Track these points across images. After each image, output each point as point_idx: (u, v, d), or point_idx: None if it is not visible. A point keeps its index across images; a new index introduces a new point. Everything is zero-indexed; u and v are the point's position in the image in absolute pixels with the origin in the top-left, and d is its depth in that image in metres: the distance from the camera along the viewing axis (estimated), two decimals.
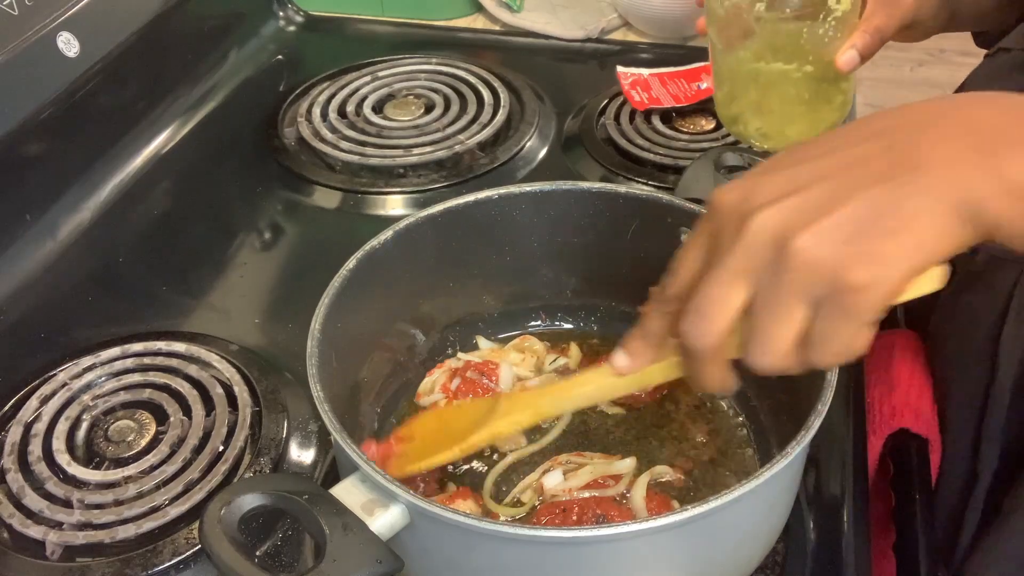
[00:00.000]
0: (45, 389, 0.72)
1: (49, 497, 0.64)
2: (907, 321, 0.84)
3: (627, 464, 0.63)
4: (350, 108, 1.05)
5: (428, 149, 0.97)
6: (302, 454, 0.69)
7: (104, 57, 0.93)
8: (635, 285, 0.71)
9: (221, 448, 0.68)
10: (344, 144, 0.99)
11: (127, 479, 0.65)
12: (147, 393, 0.71)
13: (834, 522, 0.64)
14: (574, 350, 0.72)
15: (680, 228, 0.66)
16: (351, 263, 0.62)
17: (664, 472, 0.63)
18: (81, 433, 0.69)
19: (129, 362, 0.74)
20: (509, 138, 1.00)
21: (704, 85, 1.01)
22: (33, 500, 0.64)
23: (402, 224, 0.65)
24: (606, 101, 1.04)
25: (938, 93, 0.93)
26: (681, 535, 0.50)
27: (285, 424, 0.70)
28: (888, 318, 0.86)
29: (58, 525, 0.63)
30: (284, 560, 0.62)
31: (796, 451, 0.50)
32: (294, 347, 0.76)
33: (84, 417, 0.70)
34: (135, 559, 0.61)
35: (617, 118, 1.01)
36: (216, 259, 0.88)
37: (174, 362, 0.74)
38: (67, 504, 0.64)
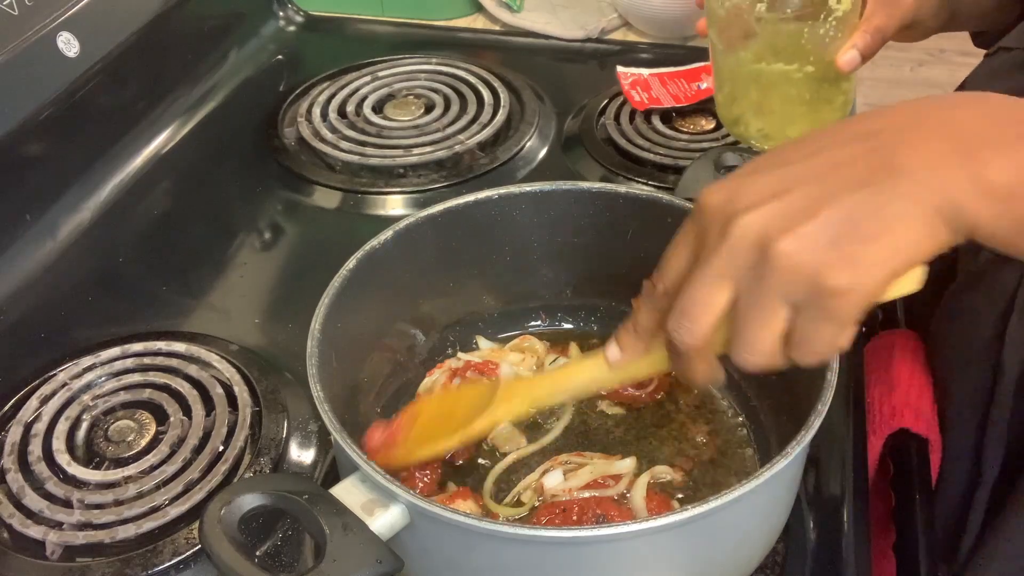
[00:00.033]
0: (45, 389, 0.72)
1: (49, 497, 0.64)
2: (907, 321, 0.84)
3: (627, 464, 0.63)
4: (350, 108, 1.05)
5: (428, 149, 0.97)
6: (302, 454, 0.69)
7: (104, 57, 0.93)
8: (635, 285, 0.71)
9: (221, 448, 0.68)
10: (344, 144, 0.99)
11: (127, 479, 0.65)
12: (147, 393, 0.71)
13: (834, 522, 0.64)
14: (574, 350, 0.72)
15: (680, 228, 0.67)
16: (351, 263, 0.62)
17: (664, 472, 0.63)
18: (81, 433, 0.69)
19: (129, 362, 0.74)
20: (509, 138, 1.00)
21: (704, 85, 1.01)
22: (33, 500, 0.64)
23: (402, 224, 0.65)
24: (606, 101, 1.04)
25: (938, 93, 0.93)
26: (681, 535, 0.50)
27: (285, 424, 0.70)
28: (888, 318, 0.86)
29: (58, 525, 0.63)
30: (284, 560, 0.62)
31: (796, 451, 0.50)
32: (294, 347, 0.76)
33: (84, 417, 0.70)
34: (135, 559, 0.61)
35: (617, 118, 1.01)
36: (216, 259, 0.88)
37: (174, 362, 0.74)
38: (67, 504, 0.64)
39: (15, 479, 0.65)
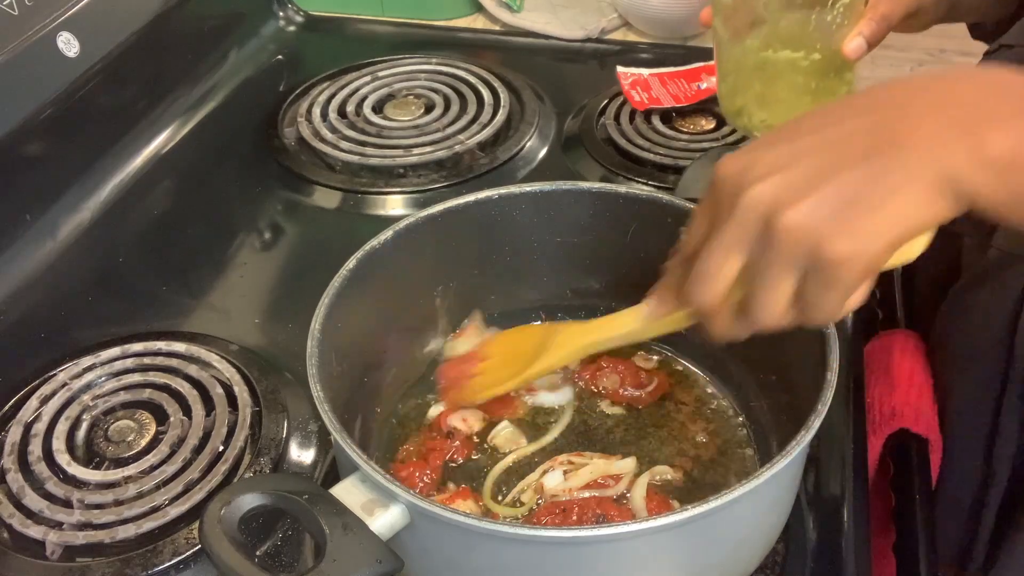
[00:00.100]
0: (45, 389, 0.72)
1: (49, 497, 0.64)
2: (907, 321, 0.84)
3: (627, 464, 0.63)
4: (350, 108, 1.05)
5: (428, 149, 0.97)
6: (302, 454, 0.69)
7: (104, 57, 0.93)
8: (635, 285, 0.71)
9: (221, 448, 0.68)
10: (344, 144, 0.99)
11: (127, 479, 0.65)
12: (147, 393, 0.71)
13: (834, 522, 0.64)
14: None
15: (680, 228, 0.66)
16: (351, 263, 0.62)
17: (664, 472, 0.63)
18: (81, 433, 0.69)
19: (129, 362, 0.74)
20: (509, 138, 1.00)
21: (704, 85, 1.01)
22: (33, 500, 0.64)
23: (402, 224, 0.65)
24: (606, 101, 1.04)
25: None
26: (681, 535, 0.50)
27: (285, 424, 0.70)
28: (888, 318, 0.86)
29: (58, 525, 0.63)
30: (284, 560, 0.62)
31: (796, 451, 0.50)
32: (294, 347, 0.76)
33: (84, 417, 0.70)
34: (135, 559, 0.61)
35: (617, 118, 1.01)
36: (216, 259, 0.88)
37: (174, 362, 0.74)
38: (67, 504, 0.64)
39: (15, 479, 0.65)
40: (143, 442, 0.68)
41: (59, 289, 0.84)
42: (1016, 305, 0.67)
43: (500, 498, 0.63)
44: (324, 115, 1.03)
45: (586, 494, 0.61)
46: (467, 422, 0.67)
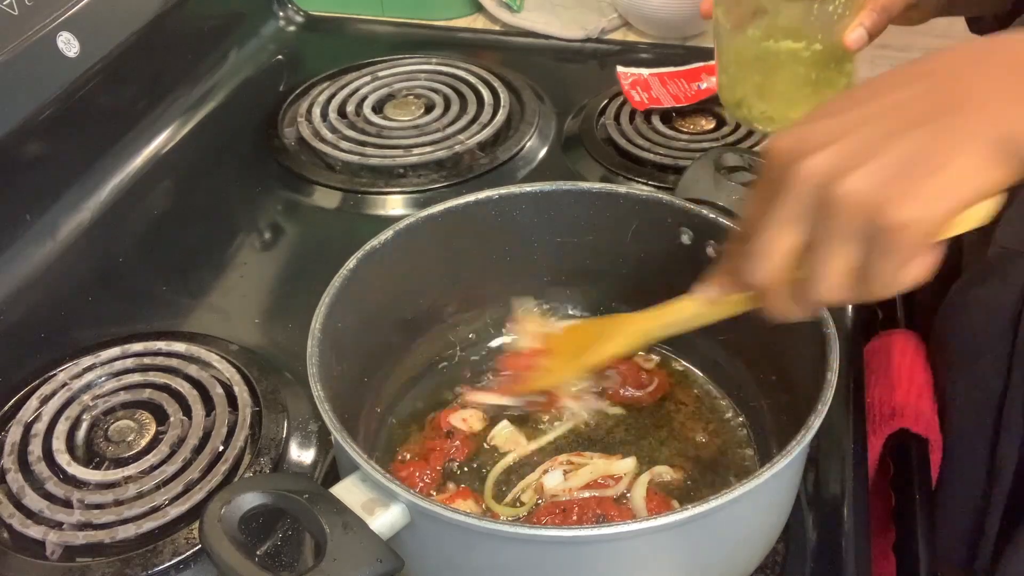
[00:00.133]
0: (45, 389, 0.72)
1: (49, 497, 0.64)
2: (907, 321, 0.84)
3: (627, 464, 0.63)
4: (350, 108, 1.05)
5: (428, 149, 0.97)
6: (302, 454, 0.69)
7: (104, 57, 0.93)
8: (635, 285, 0.71)
9: (221, 448, 0.68)
10: (344, 144, 0.99)
11: (127, 479, 0.65)
12: (147, 393, 0.71)
13: (834, 522, 0.64)
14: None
15: (680, 228, 0.67)
16: (351, 263, 0.62)
17: (664, 472, 0.63)
18: (81, 433, 0.69)
19: (129, 362, 0.74)
20: (509, 138, 1.00)
21: (704, 85, 1.01)
22: (33, 500, 0.64)
23: (402, 224, 0.65)
24: (606, 101, 1.04)
25: None
26: (681, 535, 0.50)
27: (285, 424, 0.70)
28: (888, 317, 0.86)
29: (58, 525, 0.63)
30: (284, 559, 0.62)
31: (796, 451, 0.50)
32: (294, 347, 0.76)
33: (84, 417, 0.70)
34: (135, 559, 0.61)
35: (617, 118, 1.01)
36: (216, 259, 0.88)
37: (174, 362, 0.74)
38: (67, 504, 0.64)
39: (15, 479, 0.65)
40: (143, 442, 0.68)
41: (59, 289, 0.84)
42: (1019, 301, 0.67)
43: (500, 498, 0.63)
44: (324, 115, 1.03)
45: (586, 494, 0.61)
46: (467, 422, 0.67)
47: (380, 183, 0.95)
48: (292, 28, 1.23)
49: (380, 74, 1.10)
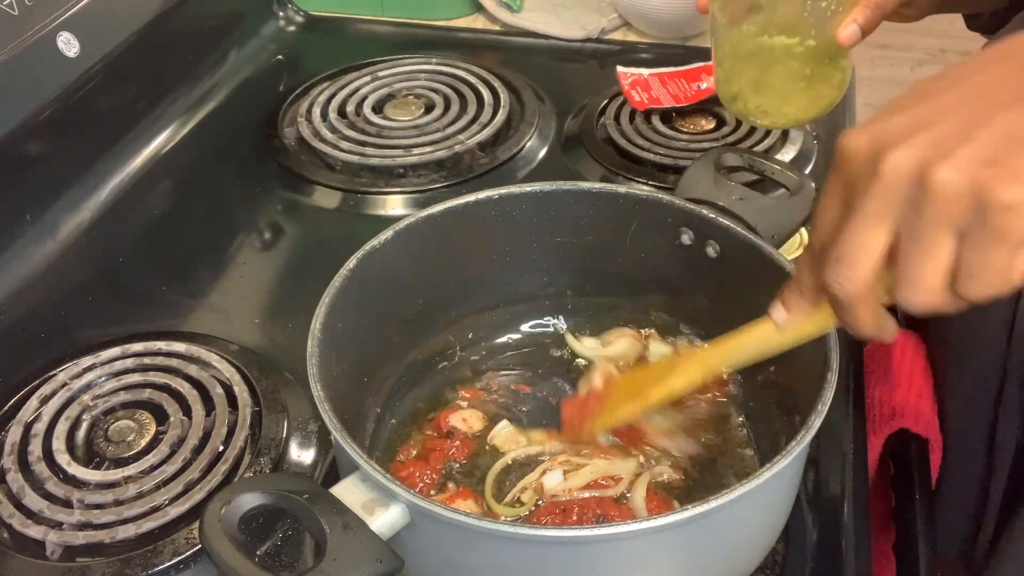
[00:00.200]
0: (45, 389, 0.72)
1: (49, 497, 0.64)
2: (907, 322, 0.84)
3: (628, 465, 0.63)
4: (350, 108, 1.05)
5: (428, 149, 0.97)
6: (302, 454, 0.69)
7: (104, 57, 0.93)
8: (635, 285, 0.71)
9: (221, 448, 0.68)
10: (344, 144, 0.99)
11: (127, 479, 0.65)
12: (147, 393, 0.71)
13: (834, 522, 0.64)
14: (568, 338, 0.73)
15: (680, 228, 0.67)
16: (351, 263, 0.62)
17: (664, 472, 0.63)
18: (81, 433, 0.69)
19: (129, 362, 0.74)
20: (509, 138, 1.00)
21: (704, 85, 1.01)
22: (33, 500, 0.64)
23: (402, 224, 0.65)
24: (606, 101, 1.04)
25: None
26: (681, 535, 0.50)
27: (285, 424, 0.70)
28: None
29: (58, 525, 0.63)
30: (284, 560, 0.62)
31: (796, 451, 0.50)
32: (294, 347, 0.76)
33: (84, 417, 0.70)
34: (135, 559, 0.61)
35: (617, 118, 1.01)
36: (216, 259, 0.88)
37: (174, 362, 0.74)
38: (67, 504, 0.64)
39: (15, 479, 0.65)
40: (143, 442, 0.68)
41: (59, 289, 0.84)
42: (1013, 299, 0.67)
43: (500, 498, 0.63)
44: (324, 115, 1.03)
45: (586, 494, 0.61)
46: (467, 422, 0.67)
47: (380, 183, 0.95)
48: (292, 28, 1.23)
49: (380, 74, 1.10)
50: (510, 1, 1.21)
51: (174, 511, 0.63)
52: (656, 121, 1.00)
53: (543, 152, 1.00)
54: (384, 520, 0.49)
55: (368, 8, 1.25)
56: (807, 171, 0.92)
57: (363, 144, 0.99)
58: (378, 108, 1.05)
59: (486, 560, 0.51)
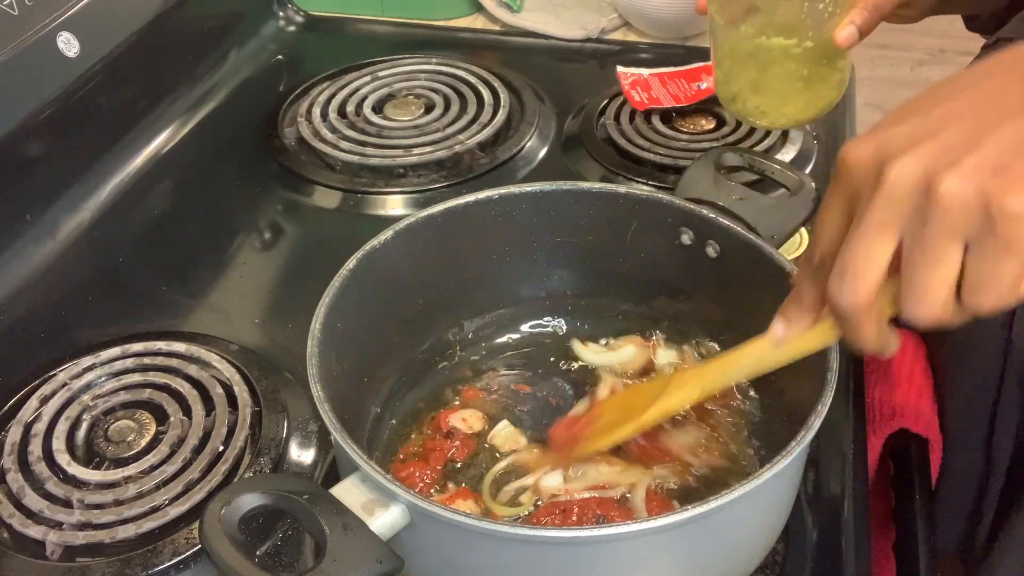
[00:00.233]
0: (45, 389, 0.72)
1: (49, 497, 0.64)
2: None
3: (631, 472, 0.62)
4: (350, 108, 1.05)
5: (428, 149, 0.97)
6: (302, 454, 0.69)
7: (104, 57, 0.93)
8: (635, 285, 0.71)
9: (221, 448, 0.68)
10: (344, 144, 0.99)
11: (127, 479, 0.65)
12: (147, 393, 0.71)
13: (834, 522, 0.64)
14: (577, 346, 0.72)
15: (680, 228, 0.67)
16: (351, 263, 0.62)
17: (667, 477, 0.63)
18: (81, 433, 0.69)
19: (129, 362, 0.74)
20: (509, 138, 1.00)
21: (704, 85, 1.01)
22: (33, 500, 0.64)
23: (402, 224, 0.65)
24: (606, 101, 1.04)
25: None
26: (681, 535, 0.50)
27: (285, 424, 0.70)
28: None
29: (58, 525, 0.63)
30: (284, 560, 0.62)
31: (796, 451, 0.50)
32: (294, 347, 0.76)
33: (84, 417, 0.70)
34: (135, 559, 0.61)
35: (617, 118, 1.01)
36: (216, 259, 0.88)
37: (174, 362, 0.74)
38: (67, 504, 0.64)
39: (15, 479, 0.65)
40: (143, 442, 0.68)
41: (59, 289, 0.84)
42: None
43: (499, 498, 0.63)
44: (324, 115, 1.03)
45: (586, 495, 0.61)
46: (467, 422, 0.67)
47: (380, 183, 0.95)
48: (292, 28, 1.23)
49: (380, 74, 1.10)
50: (510, 1, 1.21)
51: (174, 511, 0.63)
52: (656, 121, 1.00)
53: (543, 152, 1.00)
54: (384, 520, 0.49)
55: (368, 8, 1.25)
56: (807, 171, 0.92)
57: (363, 144, 0.99)
58: (378, 108, 1.05)
59: (486, 560, 0.51)
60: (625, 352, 0.71)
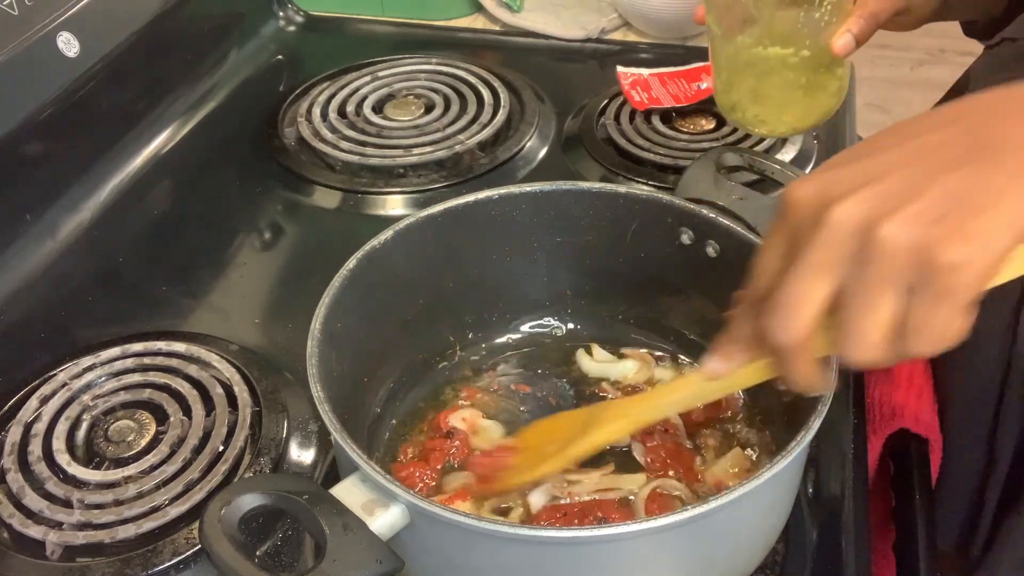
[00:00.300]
0: (45, 389, 0.72)
1: (49, 497, 0.64)
2: None
3: (637, 479, 0.62)
4: (350, 108, 1.05)
5: (428, 149, 0.97)
6: (302, 454, 0.69)
7: (104, 57, 0.93)
8: (636, 285, 0.71)
9: (221, 448, 0.68)
10: (344, 144, 0.99)
11: (127, 479, 0.65)
12: (147, 393, 0.71)
13: (834, 522, 0.64)
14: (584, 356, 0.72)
15: (680, 228, 0.67)
16: (351, 263, 0.62)
17: (673, 487, 0.62)
18: (81, 433, 0.69)
19: (129, 362, 0.74)
20: (509, 138, 1.00)
21: (704, 85, 1.01)
22: (33, 500, 0.64)
23: (402, 224, 0.65)
24: (606, 101, 1.04)
25: (938, 93, 0.93)
26: (681, 535, 0.50)
27: (285, 424, 0.70)
28: None
29: (58, 525, 0.63)
30: (284, 560, 0.62)
31: (796, 451, 0.50)
32: (294, 347, 0.76)
33: (84, 417, 0.70)
34: (135, 559, 0.61)
35: (617, 118, 1.01)
36: (216, 259, 0.88)
37: (174, 362, 0.74)
38: (67, 504, 0.64)
39: (15, 479, 0.65)
40: (143, 442, 0.68)
41: (59, 289, 0.84)
42: (1019, 297, 0.68)
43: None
44: (324, 115, 1.03)
45: (587, 496, 0.61)
46: (467, 422, 0.67)
47: (380, 183, 0.95)
48: (292, 28, 1.23)
49: (380, 74, 1.10)
50: (510, 1, 1.21)
51: (174, 511, 0.63)
52: (656, 121, 1.00)
53: (543, 152, 1.00)
54: (384, 521, 0.49)
55: (368, 8, 1.25)
56: (807, 171, 0.92)
57: (363, 144, 0.99)
58: (378, 108, 1.05)
59: (486, 560, 0.51)
60: (625, 367, 0.71)
